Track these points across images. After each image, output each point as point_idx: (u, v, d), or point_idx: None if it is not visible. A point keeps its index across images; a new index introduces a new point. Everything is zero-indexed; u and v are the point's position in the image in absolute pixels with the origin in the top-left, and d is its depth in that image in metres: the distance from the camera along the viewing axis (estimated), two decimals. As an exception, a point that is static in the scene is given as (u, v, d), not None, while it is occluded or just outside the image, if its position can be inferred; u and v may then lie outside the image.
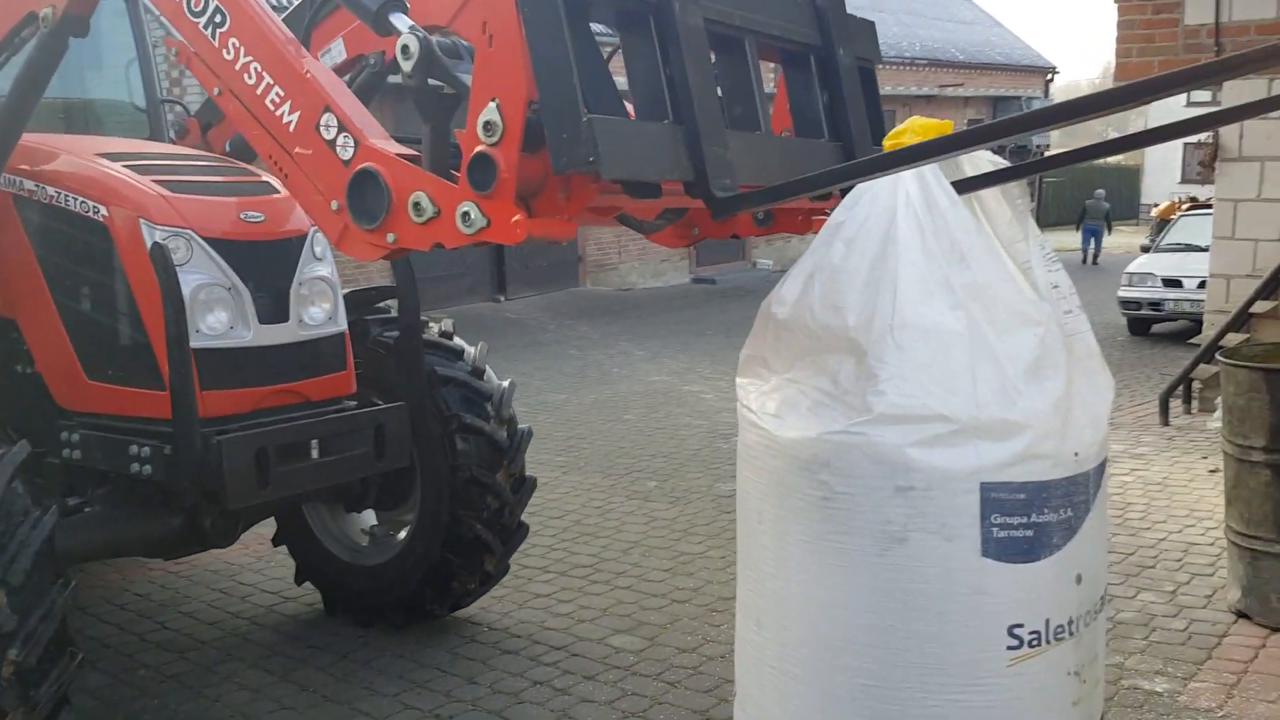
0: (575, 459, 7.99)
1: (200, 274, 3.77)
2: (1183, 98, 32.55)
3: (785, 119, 2.99)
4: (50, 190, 3.96)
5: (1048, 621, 2.68)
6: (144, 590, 5.40)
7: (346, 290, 4.46)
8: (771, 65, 3.00)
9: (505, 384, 4.74)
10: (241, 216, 3.93)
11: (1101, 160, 53.71)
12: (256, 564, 5.72)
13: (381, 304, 4.95)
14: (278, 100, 2.77)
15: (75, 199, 3.91)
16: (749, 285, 19.74)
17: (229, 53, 2.88)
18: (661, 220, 3.13)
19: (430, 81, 2.53)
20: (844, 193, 2.93)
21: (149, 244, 3.72)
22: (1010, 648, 2.64)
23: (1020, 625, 2.65)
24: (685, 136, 2.41)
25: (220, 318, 3.81)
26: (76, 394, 4.00)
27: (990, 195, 2.93)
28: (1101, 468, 2.86)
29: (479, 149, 2.32)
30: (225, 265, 3.83)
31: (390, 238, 2.60)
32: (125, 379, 3.90)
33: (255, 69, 2.83)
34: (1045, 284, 2.87)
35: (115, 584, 5.47)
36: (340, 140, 2.66)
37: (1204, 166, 9.42)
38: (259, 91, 2.81)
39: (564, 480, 7.36)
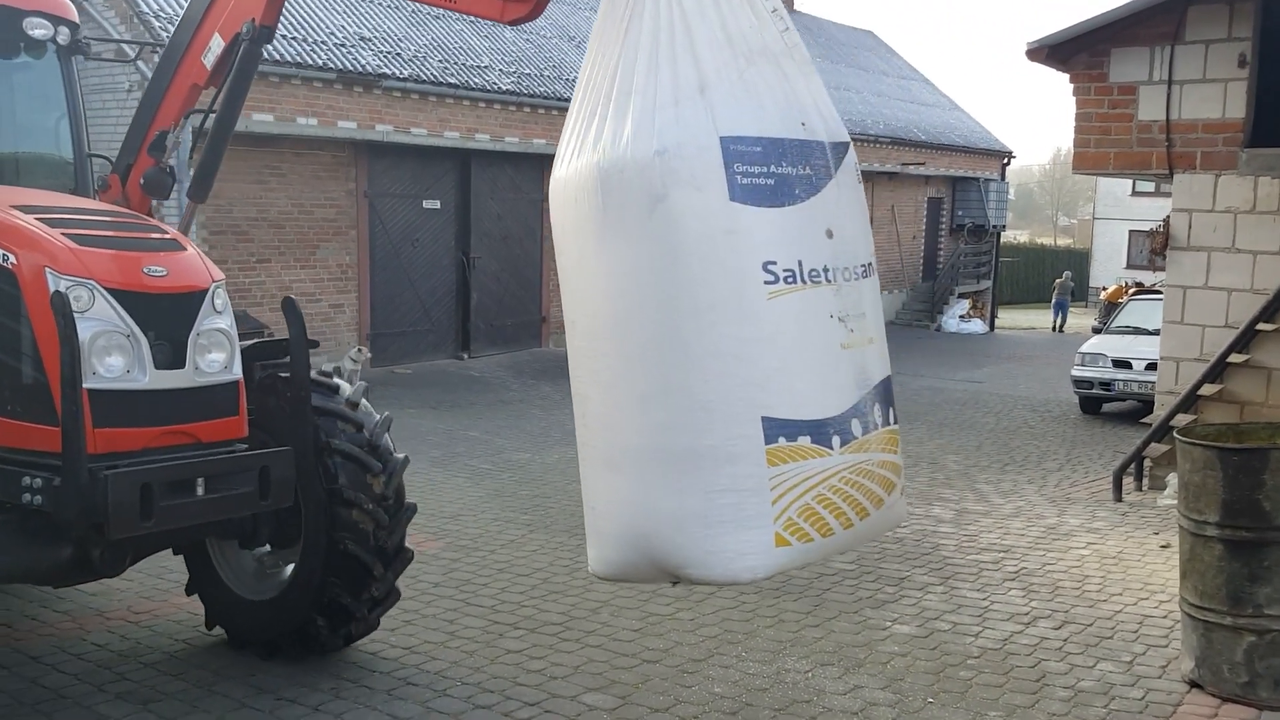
0: (541, 517, 8.03)
1: (100, 321, 4.04)
2: (1128, 184, 33.64)
3: None
4: None
5: (800, 263, 3.15)
6: (102, 640, 5.34)
7: (249, 343, 4.80)
8: None
9: (381, 416, 5.04)
10: (144, 270, 4.22)
11: (1053, 244, 54.84)
12: (223, 614, 5.68)
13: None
14: None
15: None
16: (710, 352, 19.93)
17: None
18: None
19: None
20: None
21: (52, 291, 3.98)
22: (767, 282, 3.11)
23: (774, 263, 3.12)
24: None
25: (117, 362, 4.07)
26: None
27: None
28: (839, 148, 3.38)
29: None
30: (125, 314, 4.10)
31: None
32: (23, 414, 4.14)
33: None
34: (767, 9, 3.44)
35: (71, 633, 5.41)
36: None
37: (1155, 254, 9.77)
38: None
39: (531, 538, 7.40)
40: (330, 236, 15.44)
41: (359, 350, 14.13)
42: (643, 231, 3.14)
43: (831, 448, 3.15)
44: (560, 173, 3.41)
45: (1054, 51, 9.48)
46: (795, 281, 3.12)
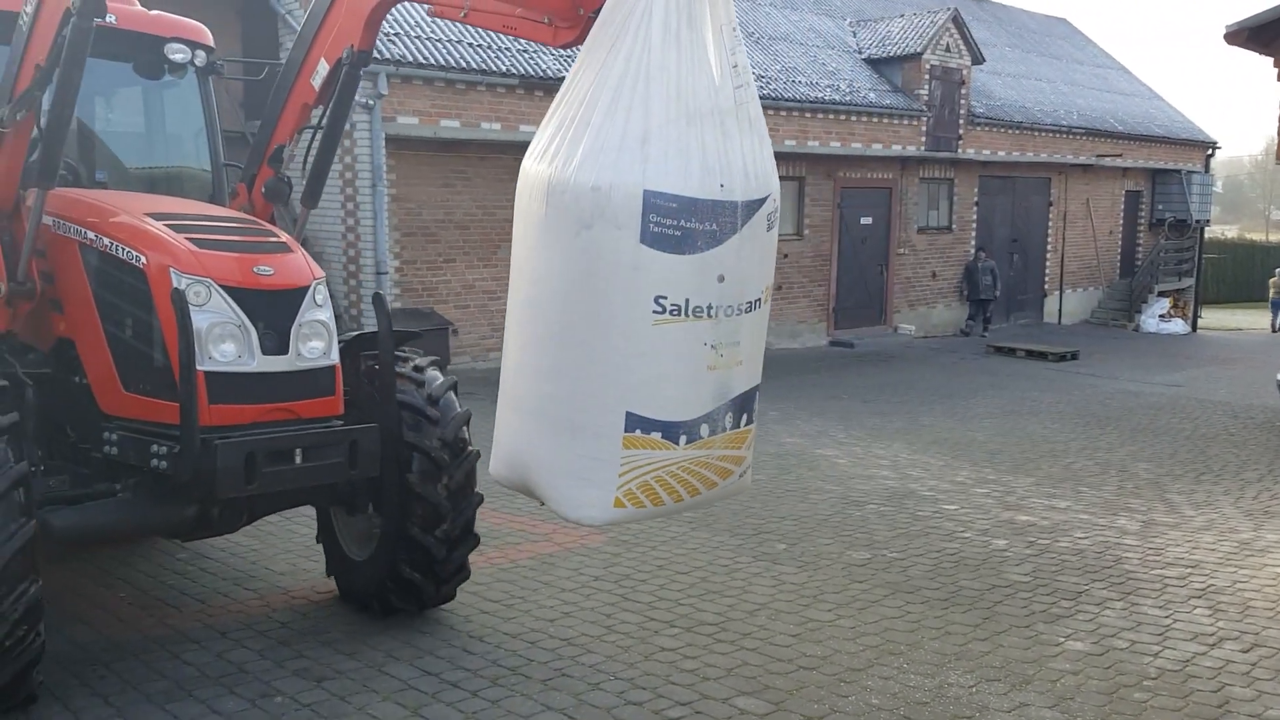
0: (703, 516, 8.02)
1: (215, 314, 4.66)
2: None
3: None
4: (106, 241, 4.91)
5: (687, 300, 3.70)
6: (286, 618, 5.65)
7: (352, 335, 5.52)
8: None
9: (460, 410, 5.46)
10: (255, 270, 4.83)
11: (1264, 240, 51.31)
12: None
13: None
14: None
15: (124, 249, 4.84)
16: (889, 350, 19.54)
17: None
18: None
19: None
20: None
21: (173, 288, 4.62)
22: (655, 312, 3.67)
23: (664, 297, 3.67)
24: None
25: (229, 348, 4.68)
26: (115, 402, 4.91)
27: None
28: (753, 204, 3.79)
29: None
30: (237, 307, 4.71)
31: None
32: (152, 392, 4.79)
33: None
34: (729, 64, 3.78)
35: (257, 610, 5.75)
36: None
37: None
38: None
39: (691, 536, 7.42)
40: (511, 237, 15.90)
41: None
42: (568, 246, 3.72)
43: (677, 444, 3.81)
44: (527, 165, 3.93)
45: (1255, 34, 8.84)
46: (679, 315, 3.71)
